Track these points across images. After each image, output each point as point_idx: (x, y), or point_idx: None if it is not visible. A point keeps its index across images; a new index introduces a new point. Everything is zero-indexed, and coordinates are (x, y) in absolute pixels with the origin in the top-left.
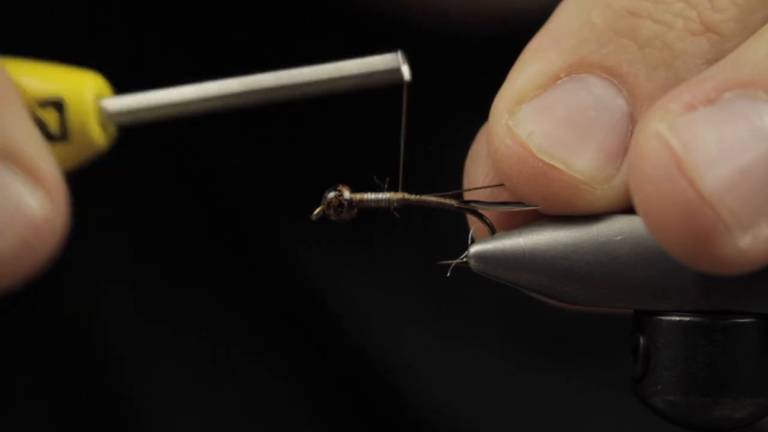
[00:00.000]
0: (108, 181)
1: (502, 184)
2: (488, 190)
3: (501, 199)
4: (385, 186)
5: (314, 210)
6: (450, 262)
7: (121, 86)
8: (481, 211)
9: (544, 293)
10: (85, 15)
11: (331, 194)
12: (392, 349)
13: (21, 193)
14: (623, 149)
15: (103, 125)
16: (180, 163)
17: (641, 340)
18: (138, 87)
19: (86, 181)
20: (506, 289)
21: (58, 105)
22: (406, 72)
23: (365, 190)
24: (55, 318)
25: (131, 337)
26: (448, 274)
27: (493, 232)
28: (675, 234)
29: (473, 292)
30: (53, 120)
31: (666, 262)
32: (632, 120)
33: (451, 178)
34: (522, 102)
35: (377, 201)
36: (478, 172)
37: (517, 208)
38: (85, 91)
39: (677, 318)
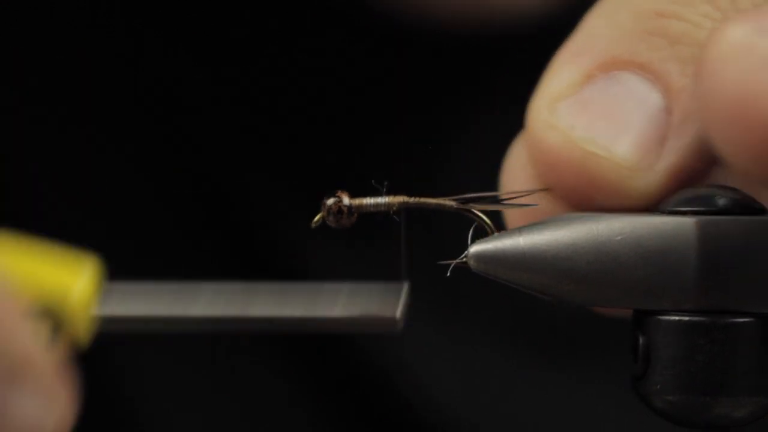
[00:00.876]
0: (109, 182)
1: (544, 189)
2: (522, 197)
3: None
4: (384, 189)
5: (315, 210)
6: (450, 262)
7: (121, 86)
8: (479, 212)
9: (544, 293)
10: (85, 15)
11: (330, 200)
12: (392, 348)
13: (33, 406)
14: (661, 140)
15: (90, 327)
16: (181, 163)
17: (641, 340)
18: (138, 87)
19: (87, 181)
20: (507, 289)
21: (51, 314)
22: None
23: (366, 194)
24: None
25: (130, 337)
26: (448, 274)
27: (492, 232)
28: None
29: (474, 290)
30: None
31: (666, 261)
32: (668, 112)
33: (450, 178)
34: (559, 100)
35: (377, 205)
36: (515, 183)
37: (516, 207)
38: (79, 306)
39: (677, 317)
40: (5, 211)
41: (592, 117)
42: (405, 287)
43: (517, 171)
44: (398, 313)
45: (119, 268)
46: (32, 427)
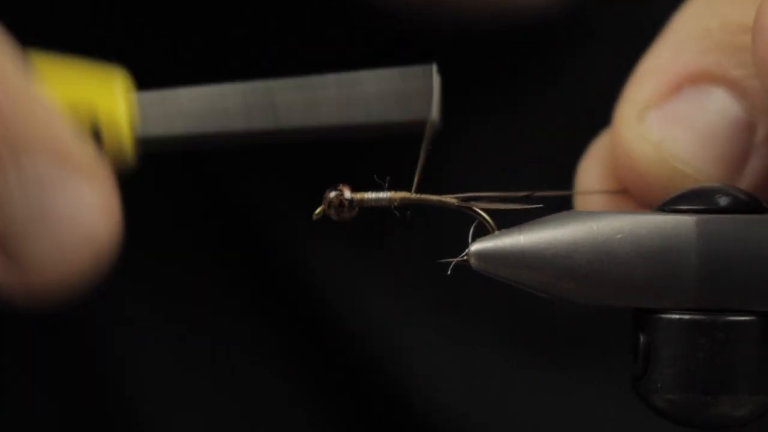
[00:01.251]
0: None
1: (623, 190)
2: (596, 194)
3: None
4: (386, 185)
5: (316, 209)
6: (450, 260)
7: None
8: (481, 210)
9: (544, 291)
10: (85, 15)
11: (332, 194)
12: (393, 348)
13: (83, 193)
14: (744, 159)
15: (134, 147)
16: (184, 161)
17: (641, 339)
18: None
19: None
20: (507, 287)
21: (94, 130)
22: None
23: (367, 189)
24: (54, 318)
25: (130, 337)
26: (449, 273)
27: (493, 230)
28: None
29: (474, 289)
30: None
31: (666, 260)
32: (752, 131)
33: (452, 176)
34: (648, 109)
35: (378, 200)
36: (593, 177)
37: (517, 207)
38: (121, 117)
39: (677, 316)
40: None
41: (682, 132)
42: (434, 70)
43: (594, 169)
44: (434, 111)
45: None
46: (81, 221)
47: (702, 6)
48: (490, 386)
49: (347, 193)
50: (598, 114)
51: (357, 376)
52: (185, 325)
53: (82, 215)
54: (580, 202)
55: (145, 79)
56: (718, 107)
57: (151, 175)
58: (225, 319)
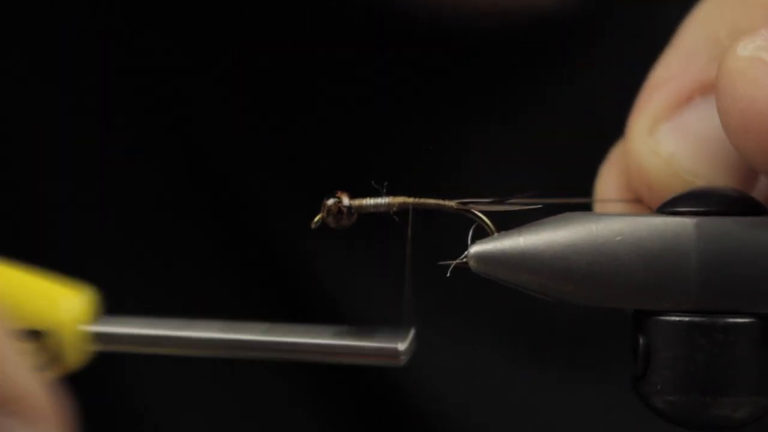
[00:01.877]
0: (112, 181)
1: (637, 200)
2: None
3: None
4: (384, 190)
5: (316, 209)
6: (450, 262)
7: (125, 89)
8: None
9: (543, 293)
10: (85, 15)
11: (330, 201)
12: None
13: None
14: (756, 172)
15: (82, 349)
16: (186, 161)
17: (641, 340)
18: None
19: (89, 179)
20: (507, 289)
21: (47, 336)
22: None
23: (366, 194)
24: None
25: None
26: (448, 275)
27: (492, 232)
28: None
29: (475, 290)
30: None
31: (666, 262)
32: None
33: (449, 178)
34: (659, 122)
35: (377, 206)
36: (610, 185)
37: (516, 208)
38: (74, 326)
39: (677, 318)
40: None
41: (694, 145)
42: (412, 332)
43: (612, 178)
44: (403, 345)
45: (119, 266)
46: None
47: (710, 13)
48: (490, 386)
49: (345, 200)
50: (603, 115)
51: (357, 375)
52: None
53: None
54: (598, 209)
55: (150, 80)
56: None
57: (152, 173)
58: (225, 318)
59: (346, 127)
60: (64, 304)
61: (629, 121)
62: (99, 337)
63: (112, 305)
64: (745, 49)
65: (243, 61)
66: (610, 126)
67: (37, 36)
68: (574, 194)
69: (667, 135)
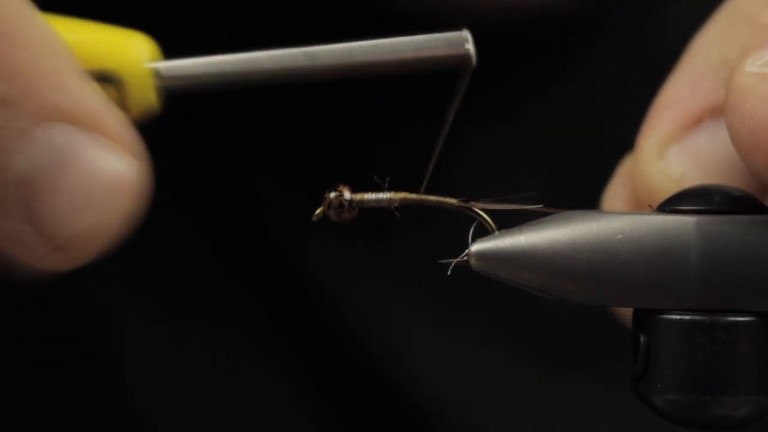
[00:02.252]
0: None
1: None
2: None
3: None
4: (386, 185)
5: (316, 208)
6: (450, 260)
7: None
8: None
9: (544, 292)
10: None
11: (332, 195)
12: (393, 348)
13: (106, 158)
14: (765, 193)
15: (157, 92)
16: (188, 161)
17: (641, 339)
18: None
19: None
20: (507, 288)
21: (115, 81)
22: (472, 54)
23: (369, 189)
24: (56, 317)
25: (131, 336)
26: (449, 273)
27: (493, 231)
28: None
29: (475, 289)
30: (110, 93)
31: (667, 261)
32: None
33: (450, 178)
34: (669, 143)
35: (378, 201)
36: (618, 202)
37: (517, 208)
38: (141, 65)
39: (678, 317)
40: None
41: (703, 167)
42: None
43: (619, 198)
44: (469, 46)
45: (120, 266)
46: (112, 180)
47: (720, 34)
48: (490, 386)
49: (347, 194)
50: (603, 114)
51: (357, 375)
52: (186, 324)
53: (110, 183)
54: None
55: None
56: None
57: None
58: (225, 318)
59: (347, 126)
60: (130, 45)
61: (638, 141)
62: (167, 77)
63: (112, 304)
64: (754, 65)
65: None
66: (611, 125)
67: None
68: (573, 193)
69: (676, 157)
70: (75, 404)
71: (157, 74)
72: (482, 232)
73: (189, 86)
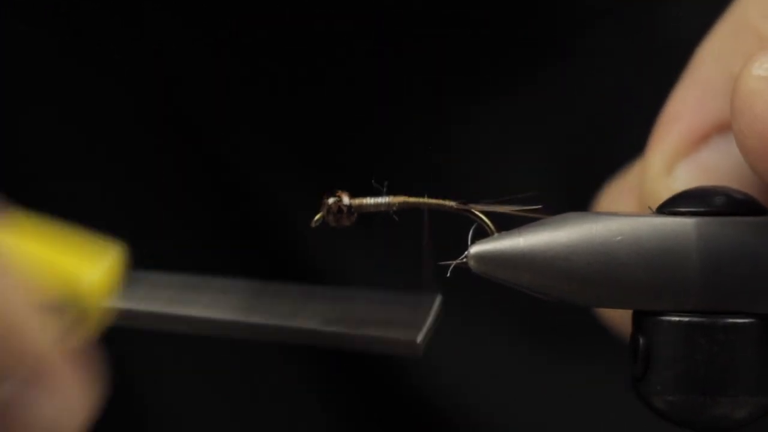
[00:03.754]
0: (117, 180)
1: None
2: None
3: None
4: (384, 189)
5: (317, 209)
6: (450, 262)
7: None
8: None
9: (544, 294)
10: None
11: (330, 200)
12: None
13: (49, 405)
14: None
15: (106, 317)
16: (193, 154)
17: (641, 340)
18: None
19: (95, 176)
20: (507, 288)
21: (67, 303)
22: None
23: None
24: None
25: (133, 336)
26: (448, 275)
27: (492, 232)
28: None
29: (475, 289)
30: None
31: (666, 262)
32: None
33: (449, 179)
34: (677, 159)
35: (377, 205)
36: (620, 205)
37: (516, 210)
38: (96, 294)
39: (677, 318)
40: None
41: (710, 183)
42: (437, 301)
43: (623, 194)
44: (420, 336)
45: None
46: (51, 427)
47: (725, 46)
48: (490, 386)
49: (345, 199)
50: (604, 114)
51: (358, 374)
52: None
53: (58, 420)
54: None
55: (160, 76)
56: None
57: (153, 165)
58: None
59: (347, 124)
60: (86, 275)
61: (646, 156)
62: (122, 310)
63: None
64: (761, 68)
65: (249, 59)
66: (611, 124)
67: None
68: (573, 193)
69: (684, 173)
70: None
71: (113, 307)
72: (481, 234)
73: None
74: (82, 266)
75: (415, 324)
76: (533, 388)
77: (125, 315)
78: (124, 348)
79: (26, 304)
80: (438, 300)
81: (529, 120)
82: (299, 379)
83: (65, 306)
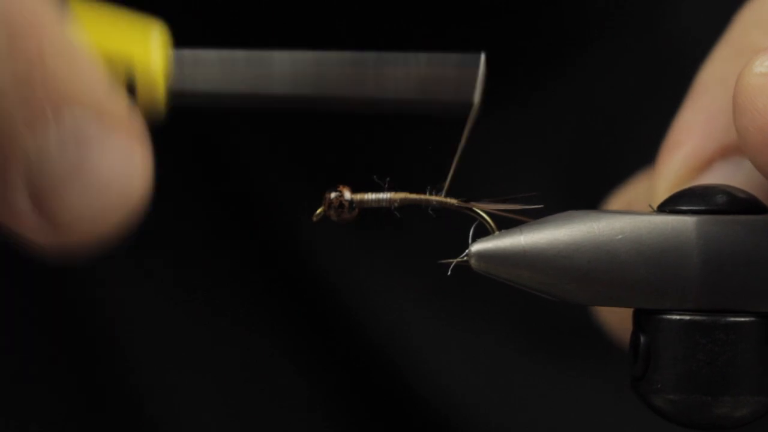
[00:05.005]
0: None
1: None
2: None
3: None
4: (386, 185)
5: (320, 205)
6: (451, 260)
7: None
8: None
9: (545, 292)
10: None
11: (332, 195)
12: (399, 341)
13: (116, 148)
14: None
15: (167, 87)
16: (195, 157)
17: (642, 339)
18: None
19: None
20: (508, 287)
21: (129, 74)
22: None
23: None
24: (60, 316)
25: (137, 335)
26: (449, 273)
27: (493, 231)
28: None
29: (481, 282)
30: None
31: (667, 261)
32: None
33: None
34: (681, 186)
35: (378, 201)
36: None
37: (517, 208)
38: (156, 70)
39: (678, 317)
40: None
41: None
42: (482, 59)
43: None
44: (476, 96)
45: (126, 264)
46: (108, 183)
47: (727, 66)
48: (490, 386)
49: (347, 195)
50: (604, 114)
51: (362, 370)
52: (187, 318)
53: (118, 172)
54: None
55: None
56: (749, 179)
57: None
58: (225, 318)
59: (348, 124)
60: (146, 38)
61: (651, 181)
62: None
63: (109, 304)
64: (762, 65)
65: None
66: (611, 124)
67: None
68: (574, 192)
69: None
70: (82, 402)
71: (169, 69)
72: (483, 232)
73: (198, 91)
74: (135, 41)
75: (466, 84)
76: (532, 388)
77: (179, 94)
78: (124, 336)
79: (80, 52)
80: (482, 58)
81: (531, 119)
82: (299, 379)
83: (124, 83)
